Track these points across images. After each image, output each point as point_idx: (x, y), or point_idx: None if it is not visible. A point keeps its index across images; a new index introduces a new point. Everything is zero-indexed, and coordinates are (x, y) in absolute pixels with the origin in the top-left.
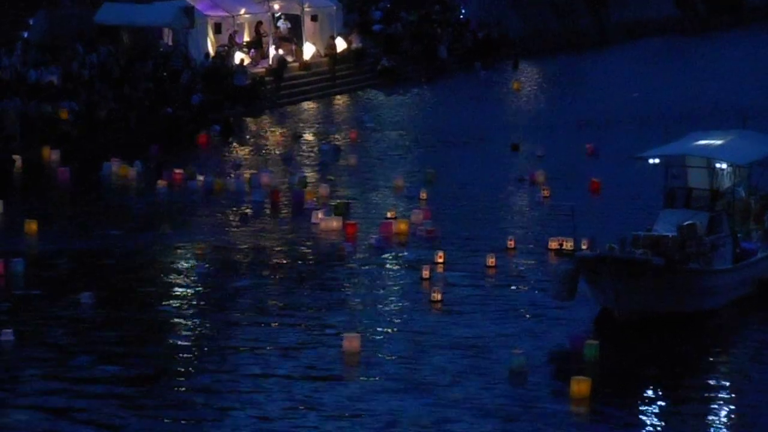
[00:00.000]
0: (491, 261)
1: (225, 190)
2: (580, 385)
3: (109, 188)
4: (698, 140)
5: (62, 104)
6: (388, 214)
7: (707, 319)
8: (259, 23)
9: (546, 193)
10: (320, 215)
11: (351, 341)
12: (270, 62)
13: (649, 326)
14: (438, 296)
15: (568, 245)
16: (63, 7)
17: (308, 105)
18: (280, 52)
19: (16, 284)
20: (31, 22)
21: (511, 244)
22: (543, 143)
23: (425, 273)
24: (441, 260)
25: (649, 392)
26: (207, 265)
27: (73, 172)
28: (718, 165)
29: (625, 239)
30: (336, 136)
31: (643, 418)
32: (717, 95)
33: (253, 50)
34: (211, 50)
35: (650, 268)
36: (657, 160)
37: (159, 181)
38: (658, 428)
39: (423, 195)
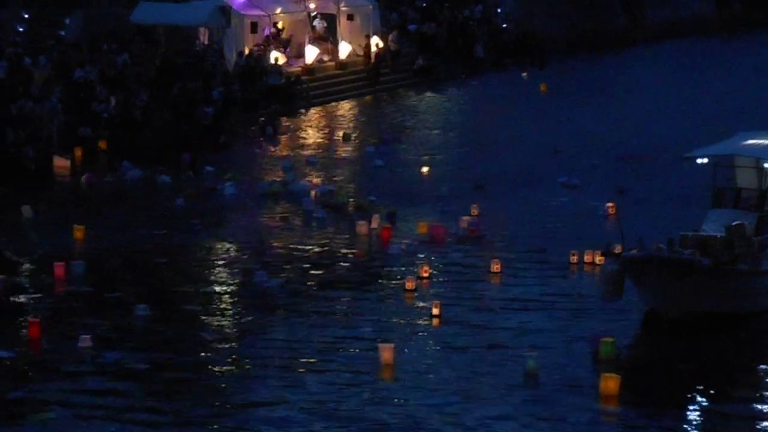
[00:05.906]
0: (496, 267)
1: (274, 193)
2: (608, 383)
3: (145, 191)
4: (747, 140)
5: (98, 107)
6: (420, 225)
7: (754, 319)
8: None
9: (612, 209)
10: (362, 221)
11: (386, 351)
12: (306, 61)
13: (693, 327)
14: (436, 311)
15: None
16: (99, 6)
17: (344, 104)
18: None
19: (79, 286)
20: (67, 21)
21: (574, 259)
22: (574, 147)
23: (409, 285)
24: (426, 275)
25: (683, 391)
26: (246, 267)
27: (108, 174)
28: (766, 165)
29: (673, 240)
30: (377, 136)
31: (675, 416)
32: (760, 94)
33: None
34: (246, 49)
35: (698, 269)
36: (705, 160)
37: (198, 185)
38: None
39: (474, 210)
